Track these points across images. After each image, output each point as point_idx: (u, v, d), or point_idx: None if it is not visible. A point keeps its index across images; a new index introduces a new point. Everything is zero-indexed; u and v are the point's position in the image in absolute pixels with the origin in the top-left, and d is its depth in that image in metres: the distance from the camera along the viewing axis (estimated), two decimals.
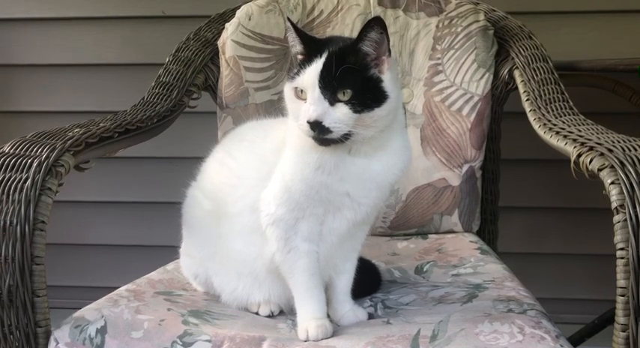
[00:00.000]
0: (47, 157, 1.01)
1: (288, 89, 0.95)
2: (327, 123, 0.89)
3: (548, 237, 2.03)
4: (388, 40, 0.92)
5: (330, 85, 0.90)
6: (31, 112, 2.12)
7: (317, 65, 0.91)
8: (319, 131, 0.90)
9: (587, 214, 1.93)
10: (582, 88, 1.71)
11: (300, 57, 0.96)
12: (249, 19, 1.56)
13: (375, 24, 0.90)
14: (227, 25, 1.58)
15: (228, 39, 1.56)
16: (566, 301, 2.03)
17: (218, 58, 1.59)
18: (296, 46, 0.96)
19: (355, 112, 0.90)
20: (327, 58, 0.91)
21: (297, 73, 0.93)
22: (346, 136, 0.91)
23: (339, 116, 0.90)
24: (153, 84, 1.51)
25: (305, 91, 0.92)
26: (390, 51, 0.93)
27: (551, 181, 1.94)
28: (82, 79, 2.09)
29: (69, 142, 1.06)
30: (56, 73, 2.10)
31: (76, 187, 1.92)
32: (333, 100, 0.90)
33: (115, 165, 1.90)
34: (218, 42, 1.59)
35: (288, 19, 0.96)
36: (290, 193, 0.98)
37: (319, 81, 0.90)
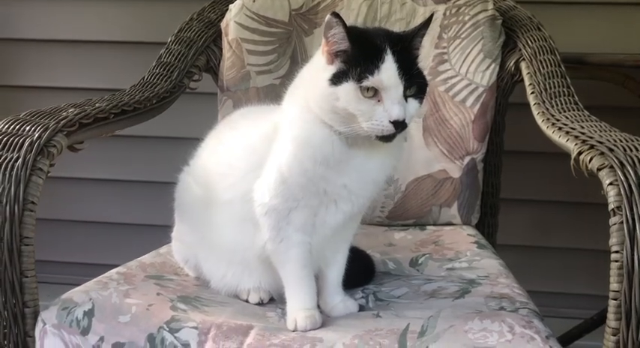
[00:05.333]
0: (39, 137, 1.01)
1: (350, 90, 0.90)
2: (407, 119, 0.91)
3: (550, 230, 2.01)
4: None
5: (406, 82, 0.91)
6: (33, 88, 2.11)
7: (391, 64, 0.90)
8: (401, 128, 0.91)
9: (591, 209, 1.89)
10: (591, 81, 1.68)
11: (343, 54, 0.92)
12: (254, 1, 1.54)
13: (430, 21, 0.95)
14: (231, 6, 1.56)
15: (232, 21, 1.54)
16: (566, 295, 2.02)
17: (221, 39, 1.57)
18: (340, 44, 0.91)
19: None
20: (396, 56, 0.90)
21: (367, 72, 0.89)
22: None
23: (412, 111, 0.93)
24: (154, 64, 1.50)
25: (382, 90, 0.90)
26: None
27: (555, 175, 1.91)
28: (85, 56, 2.08)
29: (62, 122, 1.05)
30: (59, 49, 2.09)
31: (77, 164, 1.91)
32: (405, 96, 0.92)
33: (117, 143, 1.88)
34: (221, 23, 1.56)
35: (336, 14, 0.90)
36: (286, 184, 0.97)
37: (402, 80, 0.90)
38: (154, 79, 1.45)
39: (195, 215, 1.10)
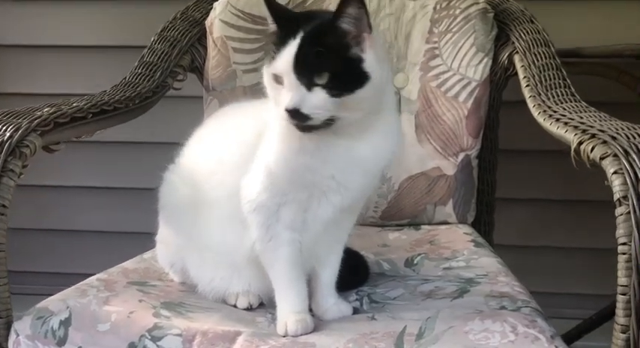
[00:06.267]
0: (10, 137, 0.96)
1: (266, 74, 0.89)
2: (305, 110, 0.84)
3: (547, 229, 1.98)
4: (368, 16, 0.85)
5: (306, 70, 0.84)
6: (14, 94, 2.05)
7: (291, 48, 0.84)
8: (299, 119, 0.84)
9: (588, 207, 1.87)
10: (585, 77, 1.64)
11: (275, 37, 0.88)
12: None
13: None
14: (216, 4, 1.53)
15: (217, 18, 1.50)
16: (565, 295, 1.98)
17: (206, 38, 1.53)
18: (271, 25, 0.89)
19: (333, 96, 0.84)
20: (302, 40, 0.84)
21: (273, 57, 0.86)
22: (329, 122, 0.86)
23: (317, 102, 0.84)
24: (136, 64, 1.46)
25: (281, 76, 0.85)
26: (370, 27, 0.86)
27: (552, 173, 1.88)
28: (67, 61, 2.03)
29: (36, 121, 1.01)
30: (44, 54, 2.03)
31: (58, 171, 1.88)
32: (310, 85, 0.84)
33: (98, 149, 1.86)
34: (206, 22, 1.53)
35: None
36: (273, 178, 0.93)
37: (294, 66, 0.84)
38: (135, 79, 1.41)
39: (182, 216, 1.05)
